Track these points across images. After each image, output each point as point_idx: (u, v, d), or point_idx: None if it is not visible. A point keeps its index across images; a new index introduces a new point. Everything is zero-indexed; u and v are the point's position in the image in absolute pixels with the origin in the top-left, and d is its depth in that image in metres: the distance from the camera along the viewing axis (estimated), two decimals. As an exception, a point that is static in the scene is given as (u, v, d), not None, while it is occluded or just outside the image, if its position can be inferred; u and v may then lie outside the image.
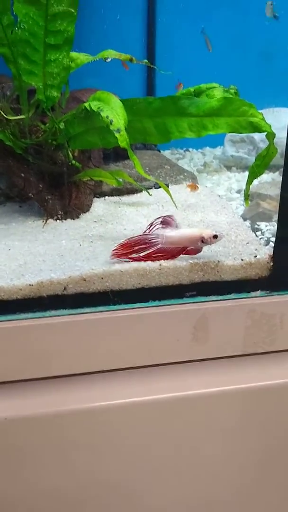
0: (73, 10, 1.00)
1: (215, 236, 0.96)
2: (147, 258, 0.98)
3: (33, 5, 0.99)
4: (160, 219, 0.98)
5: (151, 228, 0.99)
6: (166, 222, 0.98)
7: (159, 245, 0.97)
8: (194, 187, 1.41)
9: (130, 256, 0.98)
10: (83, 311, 0.95)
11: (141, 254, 0.98)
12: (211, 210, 1.23)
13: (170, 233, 0.97)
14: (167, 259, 0.97)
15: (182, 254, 0.98)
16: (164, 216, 0.98)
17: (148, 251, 0.98)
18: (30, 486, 0.99)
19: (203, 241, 0.96)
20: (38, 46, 1.02)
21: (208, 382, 1.01)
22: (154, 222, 0.98)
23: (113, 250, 0.98)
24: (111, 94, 1.02)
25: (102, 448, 1.00)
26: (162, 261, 0.97)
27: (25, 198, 1.23)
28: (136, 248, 0.98)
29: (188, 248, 0.98)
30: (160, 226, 0.98)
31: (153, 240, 0.98)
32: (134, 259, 0.98)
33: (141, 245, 0.98)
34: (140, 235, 0.98)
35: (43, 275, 0.94)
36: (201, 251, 0.98)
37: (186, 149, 1.92)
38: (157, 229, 0.98)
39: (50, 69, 1.05)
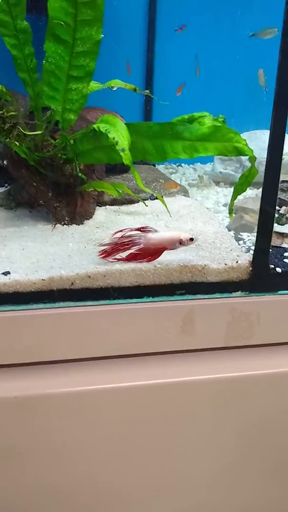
0: (96, 49, 1.12)
1: (192, 239, 1.09)
2: (130, 259, 1.09)
3: (61, 45, 1.12)
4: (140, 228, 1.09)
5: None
6: (144, 230, 1.09)
7: (142, 245, 1.08)
8: (172, 185, 1.47)
9: (115, 257, 1.09)
10: (87, 304, 1.09)
11: (124, 255, 1.09)
12: (200, 221, 1.38)
13: (152, 235, 1.09)
14: (148, 260, 1.10)
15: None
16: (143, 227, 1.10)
17: (130, 251, 1.08)
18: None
19: (181, 242, 1.09)
20: (62, 76, 1.15)
21: (193, 370, 1.14)
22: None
23: (101, 251, 1.09)
24: (117, 117, 1.17)
25: (97, 431, 1.12)
26: (156, 263, 1.12)
27: (36, 205, 1.38)
28: (120, 247, 1.08)
29: (166, 250, 1.10)
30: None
31: (136, 240, 1.09)
32: (119, 260, 1.09)
33: (125, 244, 1.09)
34: (125, 234, 1.09)
35: (53, 272, 1.08)
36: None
37: (179, 164, 2.08)
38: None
39: (70, 96, 1.18)
